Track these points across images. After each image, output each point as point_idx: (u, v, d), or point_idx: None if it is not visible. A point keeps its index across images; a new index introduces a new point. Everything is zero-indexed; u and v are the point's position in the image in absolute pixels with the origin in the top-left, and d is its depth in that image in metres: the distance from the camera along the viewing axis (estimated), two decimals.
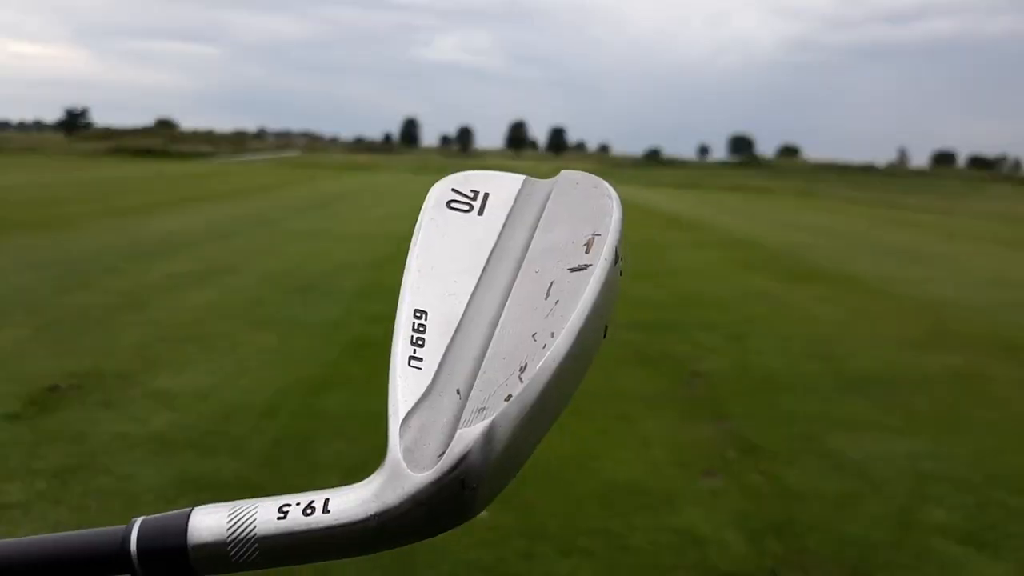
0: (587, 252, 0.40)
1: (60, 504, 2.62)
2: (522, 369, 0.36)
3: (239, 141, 70.64)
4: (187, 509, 0.35)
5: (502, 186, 0.46)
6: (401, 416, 0.37)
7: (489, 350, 0.38)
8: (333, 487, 0.36)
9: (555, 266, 0.40)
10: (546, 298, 0.39)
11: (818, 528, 2.71)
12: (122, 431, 3.25)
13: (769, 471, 3.17)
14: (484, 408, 0.35)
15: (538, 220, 0.43)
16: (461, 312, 0.40)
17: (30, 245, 8.26)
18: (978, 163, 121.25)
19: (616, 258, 0.41)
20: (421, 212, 0.45)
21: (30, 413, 3.41)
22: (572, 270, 0.40)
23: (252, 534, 0.34)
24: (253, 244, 9.19)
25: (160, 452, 3.08)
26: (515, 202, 0.45)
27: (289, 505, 0.34)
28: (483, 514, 0.38)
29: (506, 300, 0.40)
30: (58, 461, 2.91)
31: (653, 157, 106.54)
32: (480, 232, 0.43)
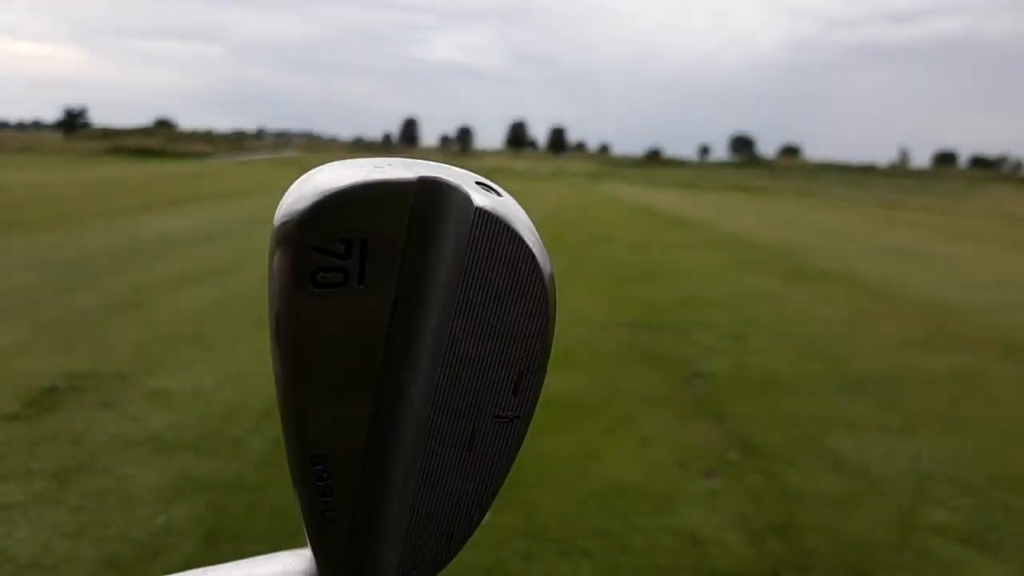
0: (514, 394, 0.31)
1: (58, 505, 2.62)
2: (449, 538, 0.34)
3: (237, 141, 70.64)
4: None
5: (383, 221, 0.28)
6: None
7: (410, 511, 0.32)
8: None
9: (477, 404, 0.31)
10: (468, 451, 0.32)
11: (819, 529, 2.71)
12: (121, 431, 3.25)
13: (770, 472, 3.17)
14: None
15: (455, 290, 0.30)
16: (363, 451, 0.32)
17: (28, 244, 8.26)
18: (979, 163, 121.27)
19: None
20: (270, 296, 0.29)
21: (28, 413, 3.41)
22: (498, 418, 0.31)
23: None
24: (252, 244, 9.18)
25: (159, 452, 3.07)
26: (413, 249, 0.29)
27: (235, 568, 0.36)
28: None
29: (420, 440, 0.31)
30: (56, 461, 2.91)
31: (654, 157, 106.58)
32: (366, 317, 0.29)
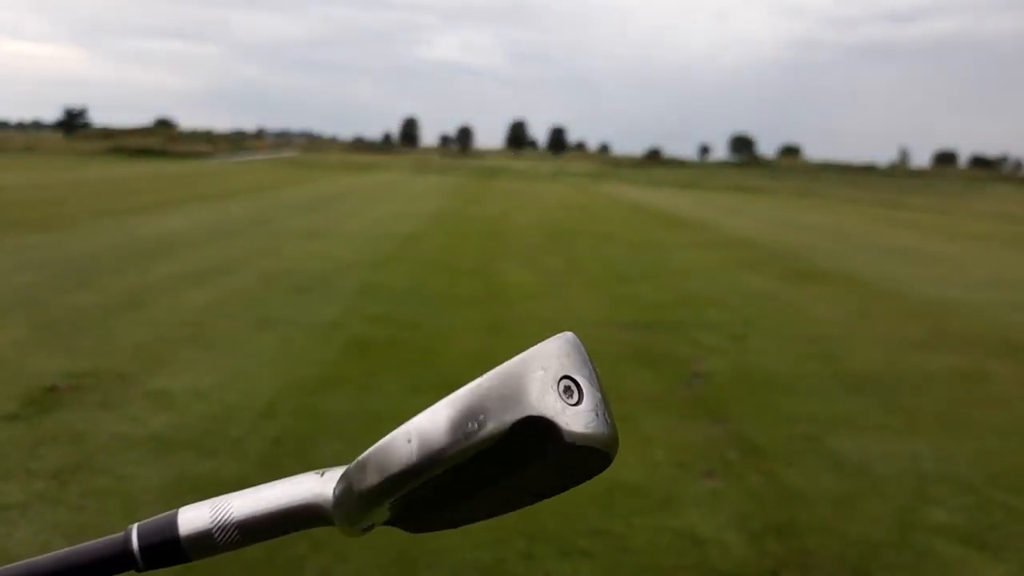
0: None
1: (59, 504, 2.61)
2: None
3: (237, 141, 70.60)
4: (174, 510, 0.40)
5: None
6: None
7: None
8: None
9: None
10: None
11: (819, 529, 2.71)
12: (121, 431, 3.24)
13: (770, 472, 3.17)
14: None
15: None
16: None
17: (29, 245, 8.26)
18: (979, 163, 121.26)
19: None
20: None
21: (28, 413, 3.41)
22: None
23: (232, 520, 0.39)
24: (252, 244, 9.18)
25: (159, 452, 3.07)
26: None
27: (259, 492, 0.40)
28: None
29: None
30: (57, 461, 2.91)
31: (654, 157, 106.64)
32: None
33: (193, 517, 0.39)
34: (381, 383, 4.04)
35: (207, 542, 0.39)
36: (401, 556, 2.38)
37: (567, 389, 0.35)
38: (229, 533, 0.39)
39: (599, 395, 0.36)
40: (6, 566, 0.39)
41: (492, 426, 0.34)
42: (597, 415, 0.35)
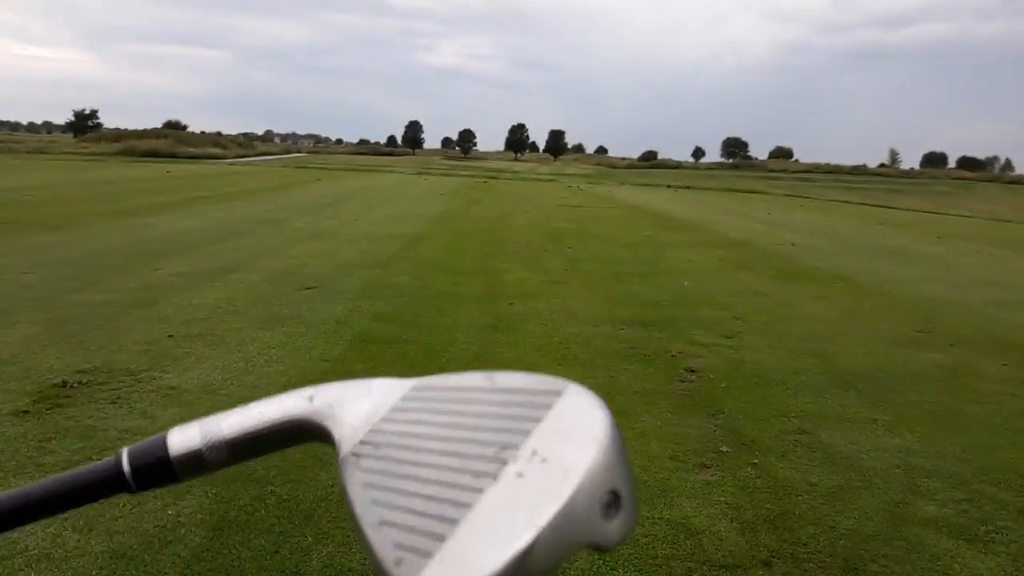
0: None
1: None
2: None
3: (246, 143, 70.28)
4: (162, 433, 0.41)
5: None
6: None
7: None
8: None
9: None
10: None
11: (811, 521, 2.77)
12: (130, 427, 3.29)
13: (762, 465, 3.24)
14: None
15: None
16: None
17: (40, 244, 8.28)
18: (969, 164, 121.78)
19: None
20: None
21: (39, 409, 3.45)
22: None
23: (221, 438, 0.40)
24: (260, 244, 9.21)
25: None
26: None
27: (248, 409, 0.41)
28: None
29: None
30: (67, 456, 2.95)
31: (649, 159, 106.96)
32: None
33: (183, 437, 0.40)
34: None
35: (197, 461, 0.40)
36: None
37: (610, 505, 0.31)
38: (219, 451, 0.40)
39: (632, 483, 0.32)
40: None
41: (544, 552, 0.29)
42: (632, 513, 0.32)
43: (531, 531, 0.29)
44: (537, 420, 0.34)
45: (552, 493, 0.30)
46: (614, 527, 0.31)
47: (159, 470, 0.40)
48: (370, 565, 0.32)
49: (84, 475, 0.40)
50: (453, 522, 0.31)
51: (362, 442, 0.38)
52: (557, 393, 0.35)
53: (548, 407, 0.35)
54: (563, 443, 0.32)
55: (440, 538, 0.31)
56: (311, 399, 0.41)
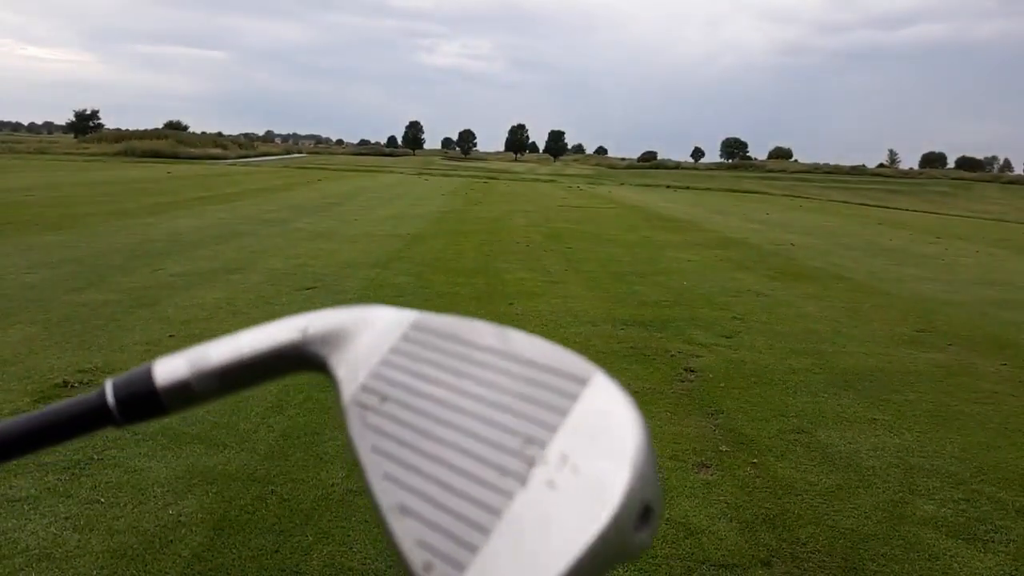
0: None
1: (69, 498, 2.66)
2: None
3: (247, 144, 70.27)
4: (148, 363, 0.39)
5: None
6: None
7: None
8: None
9: None
10: None
11: (810, 520, 2.78)
12: (131, 426, 3.29)
13: (761, 464, 3.24)
14: None
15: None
16: None
17: (42, 244, 8.27)
18: (967, 164, 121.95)
19: None
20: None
21: (40, 408, 3.45)
22: None
23: (210, 368, 0.38)
24: (261, 244, 9.21)
25: (169, 446, 3.12)
26: None
27: (238, 337, 0.39)
28: None
29: None
30: (68, 456, 2.95)
31: (649, 160, 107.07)
32: None
33: (169, 368, 0.39)
34: None
35: (185, 392, 0.38)
36: None
37: (643, 518, 0.30)
38: (208, 381, 0.38)
39: (660, 491, 0.31)
40: None
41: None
42: (657, 520, 0.31)
43: (567, 559, 0.28)
44: (563, 413, 0.32)
45: (589, 515, 0.28)
46: (643, 537, 0.30)
47: (145, 401, 0.38)
48: (388, 551, 0.31)
49: (68, 408, 0.39)
50: (484, 531, 0.29)
51: (364, 388, 0.36)
52: (582, 381, 0.34)
53: (574, 398, 0.33)
54: (595, 450, 0.31)
55: (472, 548, 0.29)
56: (305, 329, 0.39)
